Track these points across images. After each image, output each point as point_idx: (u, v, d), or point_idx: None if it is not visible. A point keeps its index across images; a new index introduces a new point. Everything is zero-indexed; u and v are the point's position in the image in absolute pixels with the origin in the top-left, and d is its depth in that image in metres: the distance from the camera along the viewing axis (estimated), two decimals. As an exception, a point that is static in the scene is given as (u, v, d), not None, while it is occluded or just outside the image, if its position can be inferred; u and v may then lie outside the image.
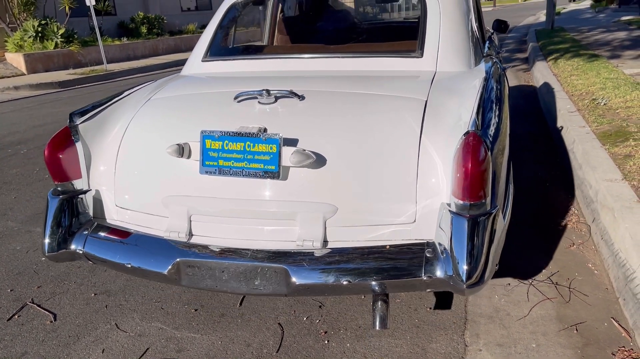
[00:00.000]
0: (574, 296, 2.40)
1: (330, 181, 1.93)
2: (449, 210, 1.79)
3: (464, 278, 1.71)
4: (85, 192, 2.23)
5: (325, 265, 1.85)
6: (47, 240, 2.14)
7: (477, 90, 2.09)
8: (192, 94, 2.50)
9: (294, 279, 1.84)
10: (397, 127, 1.98)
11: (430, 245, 1.84)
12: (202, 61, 2.99)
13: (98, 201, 2.25)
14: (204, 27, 23.35)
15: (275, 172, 1.90)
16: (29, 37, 14.92)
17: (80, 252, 2.13)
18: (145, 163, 2.19)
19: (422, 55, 2.52)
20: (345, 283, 1.81)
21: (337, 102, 2.17)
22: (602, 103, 4.93)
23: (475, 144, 1.74)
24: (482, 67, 2.55)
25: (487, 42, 3.38)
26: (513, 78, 8.54)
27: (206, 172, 1.99)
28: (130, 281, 2.78)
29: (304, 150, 1.89)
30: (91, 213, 2.24)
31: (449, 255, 1.76)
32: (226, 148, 1.96)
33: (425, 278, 1.78)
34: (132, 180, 2.20)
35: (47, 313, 2.54)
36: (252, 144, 1.93)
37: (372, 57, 2.62)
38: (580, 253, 2.78)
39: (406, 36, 2.83)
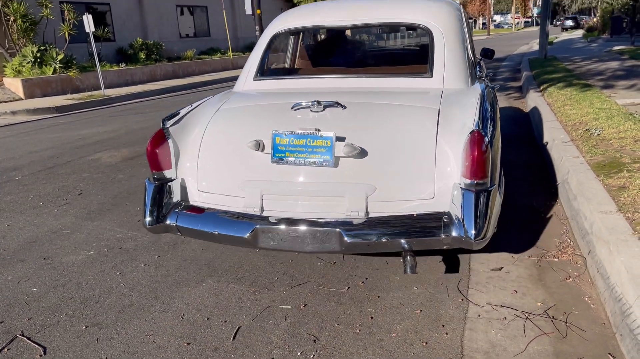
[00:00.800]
0: (570, 331, 2.38)
1: (370, 168, 2.58)
2: (460, 187, 2.45)
3: (472, 236, 2.37)
4: (173, 180, 2.89)
5: (369, 228, 2.50)
6: (147, 218, 2.80)
7: (476, 102, 2.76)
8: (255, 105, 3.23)
9: (346, 239, 2.47)
10: (419, 128, 2.65)
11: (446, 214, 2.49)
12: (254, 80, 3.63)
13: (184, 187, 2.90)
14: (202, 53, 23.69)
15: (330, 161, 2.56)
16: (28, 63, 15.03)
17: (174, 225, 2.78)
18: (222, 156, 2.85)
19: (432, 76, 3.19)
20: (384, 240, 2.47)
21: (372, 110, 2.82)
22: (595, 134, 4.97)
23: (479, 139, 2.41)
24: (477, 85, 3.26)
25: (477, 66, 4.04)
26: (507, 107, 8.63)
27: (276, 162, 2.64)
28: (122, 312, 2.74)
29: (352, 144, 2.55)
30: (179, 196, 2.88)
31: (460, 220, 2.41)
32: (292, 143, 2.61)
33: (443, 237, 2.43)
34: (212, 169, 2.85)
35: (36, 346, 2.50)
36: (312, 140, 2.59)
37: (392, 77, 3.32)
38: (576, 286, 2.77)
39: (416, 61, 3.76)
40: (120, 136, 8.13)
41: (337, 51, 4.64)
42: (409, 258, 2.55)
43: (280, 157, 2.63)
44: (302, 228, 2.53)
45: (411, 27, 3.72)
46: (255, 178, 2.70)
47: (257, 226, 2.58)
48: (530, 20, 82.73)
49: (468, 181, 2.43)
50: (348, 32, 4.85)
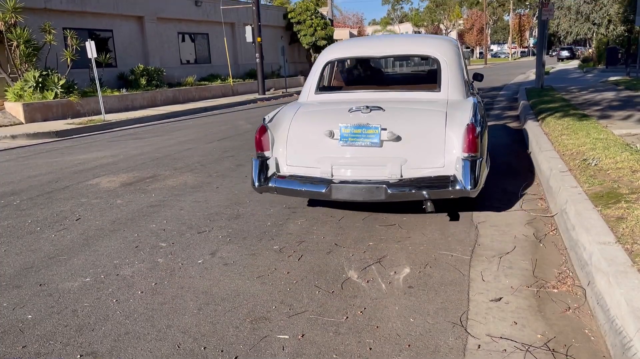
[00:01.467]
0: (571, 364, 2.35)
1: (402, 147, 3.97)
2: (461, 159, 3.82)
3: (469, 187, 3.73)
4: (269, 159, 4.28)
5: (403, 185, 3.88)
6: (256, 182, 4.19)
7: (470, 107, 4.19)
8: (323, 109, 4.61)
9: (388, 191, 3.81)
10: (433, 123, 4.06)
11: (452, 176, 3.85)
12: (315, 94, 4.98)
13: (277, 163, 4.30)
14: (203, 79, 23.95)
15: (378, 143, 3.98)
16: (29, 87, 15.15)
17: (273, 187, 4.17)
18: (302, 142, 4.27)
19: (440, 91, 4.58)
20: (412, 191, 3.82)
21: (403, 112, 4.22)
22: (592, 164, 5.00)
23: (473, 128, 3.82)
24: (471, 98, 4.64)
25: (471, 85, 5.40)
26: (505, 136, 8.69)
27: (342, 145, 4.06)
28: (118, 341, 2.71)
29: (392, 132, 3.95)
30: (274, 169, 4.27)
31: (461, 179, 3.76)
32: (353, 132, 4.03)
33: (450, 189, 3.78)
34: (295, 151, 4.27)
35: (30, 375, 2.46)
36: (366, 130, 4.00)
37: (413, 91, 4.78)
38: (576, 318, 2.75)
39: (428, 81, 5.42)
40: (119, 161, 8.15)
41: (370, 73, 6.65)
42: (429, 203, 3.95)
43: (346, 141, 4.04)
44: (361, 185, 3.89)
45: (424, 58, 5.50)
46: (328, 155, 4.11)
47: (332, 184, 3.93)
48: (526, 50, 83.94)
49: (466, 154, 3.84)
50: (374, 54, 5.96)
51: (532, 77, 23.22)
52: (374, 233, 4.19)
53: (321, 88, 5.08)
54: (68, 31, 16.99)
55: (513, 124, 10.03)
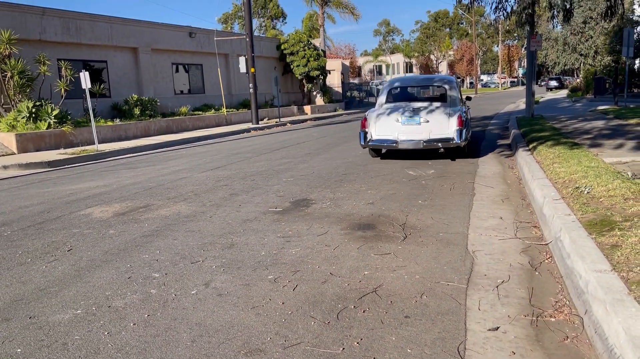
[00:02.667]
0: (571, 395, 2.31)
1: (429, 125, 9.07)
2: (455, 129, 8.97)
3: (459, 141, 8.90)
4: (367, 132, 9.54)
5: (430, 142, 9.03)
6: (362, 142, 9.53)
7: (459, 110, 9.30)
8: (391, 108, 9.70)
9: (424, 143, 9.00)
10: (443, 115, 9.18)
11: (452, 137, 8.95)
12: (384, 103, 10.03)
13: (371, 134, 9.51)
14: (196, 109, 24.09)
15: (418, 123, 9.18)
16: (23, 118, 15.17)
17: (370, 144, 9.50)
18: (382, 123, 9.41)
19: (447, 102, 9.69)
20: (433, 144, 8.98)
21: (430, 110, 9.30)
22: (585, 192, 5.03)
23: (460, 115, 9.09)
24: (461, 107, 9.69)
25: (463, 102, 10.57)
26: (497, 164, 8.75)
27: (403, 124, 9.25)
28: (109, 375, 2.64)
29: (425, 119, 9.17)
30: (370, 137, 9.48)
31: (455, 137, 8.92)
32: (408, 118, 9.24)
33: (451, 142, 8.92)
34: (379, 127, 9.45)
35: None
36: (413, 117, 9.22)
37: (434, 102, 9.82)
38: (574, 347, 2.73)
39: (440, 99, 10.12)
40: (112, 191, 8.11)
41: (409, 92, 11.35)
42: (441, 149, 9.17)
43: (403, 123, 9.17)
44: (411, 141, 9.06)
45: (438, 86, 11.00)
46: (395, 129, 9.22)
47: (398, 141, 9.13)
48: (516, 80, 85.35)
49: (457, 127, 8.92)
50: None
51: (522, 106, 23.55)
52: (369, 262, 4.16)
53: (387, 100, 10.28)
54: (62, 62, 17.11)
55: (505, 153, 10.12)
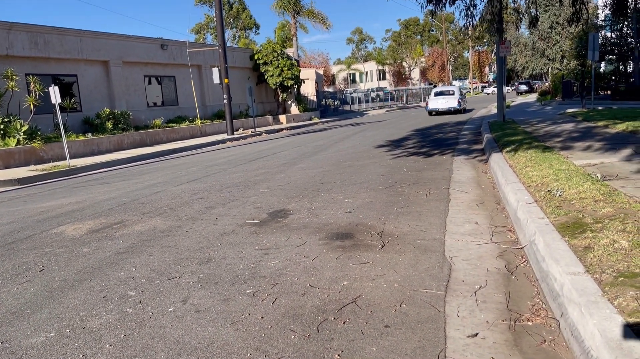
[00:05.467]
0: (550, 399, 2.34)
1: (448, 103, 28.79)
2: (456, 104, 28.63)
3: (459, 108, 28.65)
4: (428, 105, 30.40)
5: (448, 108, 28.74)
6: (427, 109, 29.83)
7: (459, 97, 29.49)
8: (436, 97, 30.46)
9: (446, 109, 28.66)
10: (453, 99, 28.96)
11: (455, 107, 28.60)
12: (433, 97, 30.34)
13: (428, 107, 30.05)
14: (170, 121, 23.84)
15: (445, 101, 29.12)
16: (-10, 135, 14.81)
17: (428, 111, 29.97)
18: (434, 101, 29.50)
19: (454, 95, 29.63)
20: (449, 109, 28.78)
21: (448, 97, 29.41)
22: (557, 195, 5.13)
23: (459, 99, 28.97)
24: (460, 96, 29.75)
25: (463, 96, 31.97)
26: (471, 169, 8.87)
27: (439, 102, 29.26)
28: (85, 400, 2.57)
29: (447, 101, 29.00)
30: (428, 108, 30.02)
31: (457, 106, 28.60)
32: (442, 98, 29.52)
33: (454, 109, 28.62)
34: (431, 102, 29.55)
35: None
36: (442, 99, 29.40)
37: (449, 96, 29.79)
38: (552, 350, 2.76)
39: (451, 94, 30.32)
40: (85, 207, 7.96)
41: (441, 92, 30.90)
42: (452, 110, 28.58)
43: (438, 99, 29.43)
44: (442, 108, 28.68)
45: (451, 90, 30.77)
46: (436, 103, 29.10)
47: (438, 108, 28.82)
48: (487, 84, 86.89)
49: (457, 103, 28.42)
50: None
51: (494, 111, 23.96)
52: (348, 272, 4.16)
53: (434, 95, 30.19)
54: (31, 77, 16.82)
55: (480, 158, 10.27)
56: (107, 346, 3.17)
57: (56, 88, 13.79)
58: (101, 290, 4.17)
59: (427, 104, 29.71)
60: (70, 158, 14.70)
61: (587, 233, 3.82)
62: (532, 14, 16.39)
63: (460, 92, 31.00)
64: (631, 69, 31.20)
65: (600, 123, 12.81)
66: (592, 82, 20.41)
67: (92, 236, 6.04)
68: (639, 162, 6.96)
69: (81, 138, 17.62)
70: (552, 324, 3.04)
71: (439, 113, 28.61)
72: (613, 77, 32.72)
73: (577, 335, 2.68)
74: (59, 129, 14.67)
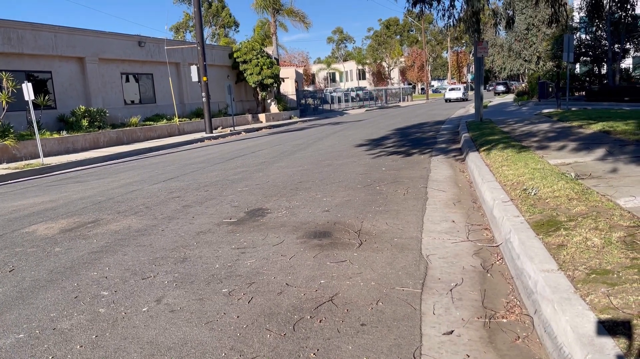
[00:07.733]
0: (524, 395, 2.35)
1: (456, 94, 47.80)
2: (461, 95, 47.94)
3: (464, 97, 47.73)
4: (445, 95, 51.09)
5: (457, 97, 47.79)
6: (445, 98, 49.16)
7: (463, 91, 49.06)
8: (448, 90, 49.89)
9: (455, 98, 47.77)
10: (460, 92, 48.02)
11: (461, 96, 47.92)
12: (448, 90, 49.46)
13: (445, 96, 52.58)
14: (148, 119, 23.57)
15: (456, 93, 48.54)
16: (-39, 132, 14.42)
17: (445, 98, 50.03)
18: (449, 93, 48.92)
19: (460, 90, 48.91)
20: (457, 98, 47.30)
21: (457, 91, 48.63)
22: (532, 193, 5.19)
23: (463, 92, 48.18)
24: (464, 90, 49.85)
25: (466, 90, 51.91)
26: (449, 168, 8.94)
27: (449, 92, 48.97)
28: (53, 403, 2.50)
29: (456, 92, 48.42)
30: (445, 97, 51.24)
31: (462, 96, 47.73)
32: (452, 91, 49.04)
33: (460, 98, 47.55)
34: (447, 94, 48.72)
35: None
36: (453, 92, 48.47)
37: (457, 90, 49.18)
38: (526, 347, 2.78)
39: (459, 89, 49.85)
40: (58, 206, 7.80)
41: (452, 87, 49.78)
42: (459, 99, 47.79)
43: (451, 92, 48.20)
44: (453, 97, 47.25)
45: (457, 87, 49.73)
46: (451, 94, 47.74)
47: (451, 98, 47.48)
48: (465, 85, 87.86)
49: (462, 94, 47.36)
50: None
51: (472, 111, 24.17)
52: (325, 270, 4.14)
53: (448, 89, 48.92)
54: (4, 73, 16.40)
55: (459, 157, 10.35)
56: (78, 347, 3.09)
57: (29, 84, 13.50)
58: (73, 290, 4.08)
59: (444, 95, 49.21)
60: (45, 157, 14.40)
61: (560, 231, 3.87)
62: (509, 14, 16.60)
63: (464, 88, 49.21)
64: (605, 71, 31.84)
65: (575, 124, 13.03)
66: (567, 83, 20.77)
67: (64, 235, 5.92)
68: (612, 161, 7.10)
69: (56, 136, 17.27)
70: (526, 321, 3.07)
71: (451, 101, 46.39)
72: (587, 79, 33.33)
73: (550, 332, 2.71)
74: (32, 127, 14.36)
